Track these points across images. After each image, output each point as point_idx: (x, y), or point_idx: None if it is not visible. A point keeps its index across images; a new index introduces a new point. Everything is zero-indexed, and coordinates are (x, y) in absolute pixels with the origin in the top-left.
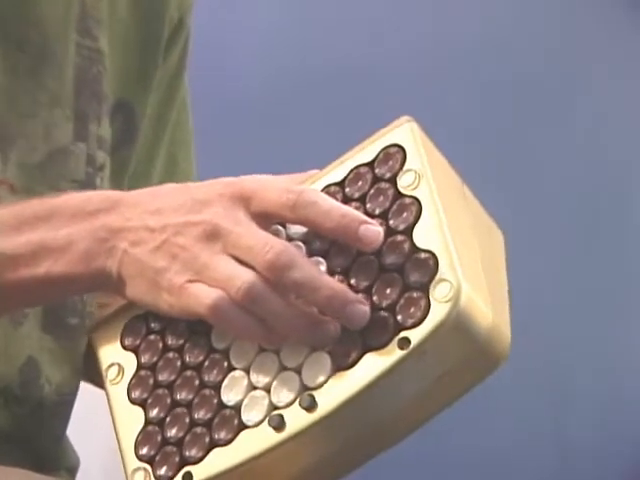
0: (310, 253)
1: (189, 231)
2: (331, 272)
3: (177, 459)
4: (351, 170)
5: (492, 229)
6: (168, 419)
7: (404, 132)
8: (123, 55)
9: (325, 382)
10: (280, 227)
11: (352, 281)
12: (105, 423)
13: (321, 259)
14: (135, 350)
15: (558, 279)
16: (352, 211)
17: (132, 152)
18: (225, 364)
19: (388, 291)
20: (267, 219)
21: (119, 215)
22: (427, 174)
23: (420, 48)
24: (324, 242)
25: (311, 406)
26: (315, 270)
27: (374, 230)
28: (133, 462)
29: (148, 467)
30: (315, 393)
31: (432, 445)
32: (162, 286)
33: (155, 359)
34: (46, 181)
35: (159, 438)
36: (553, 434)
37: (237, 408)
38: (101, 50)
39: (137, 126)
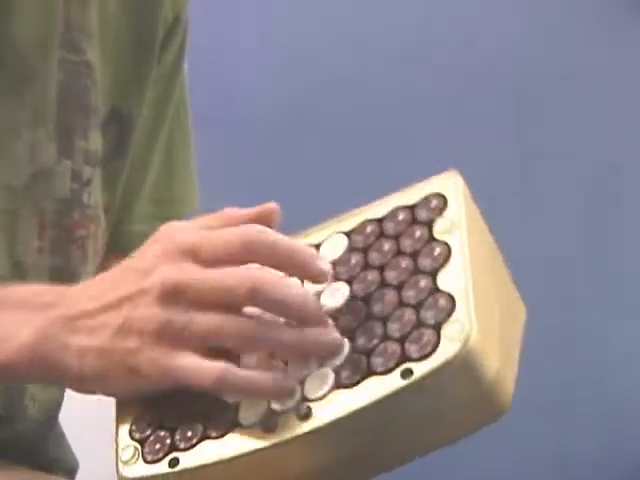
0: (336, 277)
1: (145, 299)
2: (353, 297)
3: (168, 443)
4: (392, 210)
5: (517, 301)
6: (168, 407)
7: (449, 184)
8: (117, 62)
9: (324, 396)
10: (313, 249)
11: (370, 307)
12: (107, 425)
13: (344, 284)
14: None
15: (561, 277)
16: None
17: (126, 161)
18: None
19: (402, 324)
20: (218, 265)
21: (68, 306)
22: (462, 225)
23: (422, 45)
24: (350, 268)
25: (306, 416)
26: (286, 284)
27: (324, 265)
28: (126, 440)
29: (139, 446)
30: (313, 405)
31: (433, 463)
32: (139, 364)
33: None
34: (30, 202)
35: (155, 422)
36: (554, 448)
37: (236, 406)
38: (89, 63)
39: (131, 135)
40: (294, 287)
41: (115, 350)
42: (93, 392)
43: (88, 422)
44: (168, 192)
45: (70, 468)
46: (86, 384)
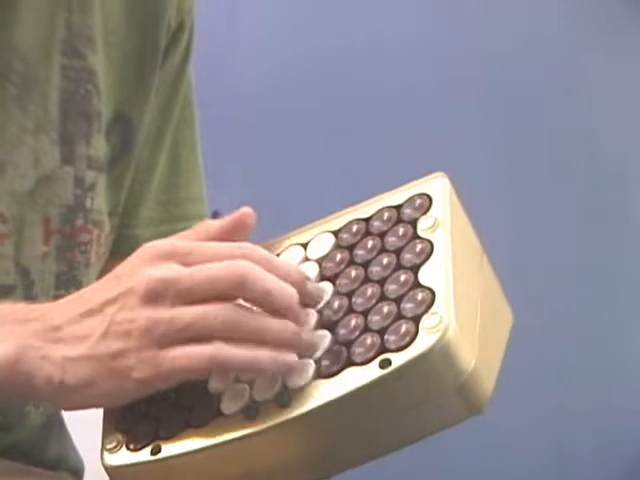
0: (322, 275)
1: (130, 300)
2: (336, 293)
3: (151, 432)
4: (379, 210)
5: (502, 305)
6: (154, 399)
7: (436, 185)
8: (121, 68)
9: (304, 386)
10: (300, 248)
11: (352, 302)
12: None
13: (329, 283)
14: None
15: (559, 282)
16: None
17: (131, 165)
18: None
19: (382, 316)
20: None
21: (49, 318)
22: (446, 223)
23: (422, 45)
24: (335, 265)
25: (286, 405)
26: (268, 275)
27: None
28: (110, 429)
29: (123, 435)
30: (293, 394)
31: (430, 454)
32: (128, 367)
33: None
34: (36, 208)
35: (140, 412)
36: (552, 444)
37: (218, 397)
38: (90, 69)
39: (136, 139)
40: (282, 288)
41: (101, 355)
42: (78, 406)
43: (95, 422)
44: (174, 195)
45: (75, 468)
46: (70, 395)
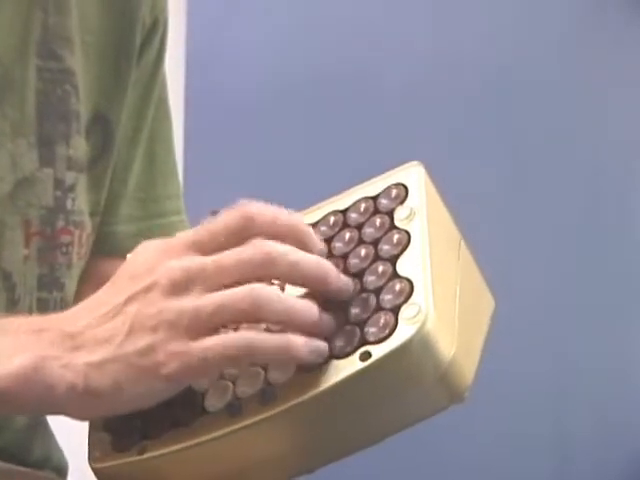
0: None
1: (152, 295)
2: None
3: (137, 432)
4: (355, 201)
5: (482, 291)
6: None
7: (411, 174)
8: (98, 67)
9: (287, 381)
10: None
11: None
12: None
13: None
14: None
15: (559, 280)
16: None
17: (110, 164)
18: None
19: (362, 308)
20: (221, 249)
21: (65, 325)
22: (422, 213)
23: (421, 53)
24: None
25: (269, 400)
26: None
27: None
28: (97, 429)
29: (109, 435)
30: (275, 389)
31: (429, 446)
32: (157, 363)
33: None
34: (16, 211)
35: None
36: (553, 435)
37: (202, 394)
38: (68, 69)
39: (114, 137)
40: (308, 256)
41: (128, 355)
42: (104, 412)
43: (78, 421)
44: (152, 191)
45: (60, 467)
46: (95, 402)
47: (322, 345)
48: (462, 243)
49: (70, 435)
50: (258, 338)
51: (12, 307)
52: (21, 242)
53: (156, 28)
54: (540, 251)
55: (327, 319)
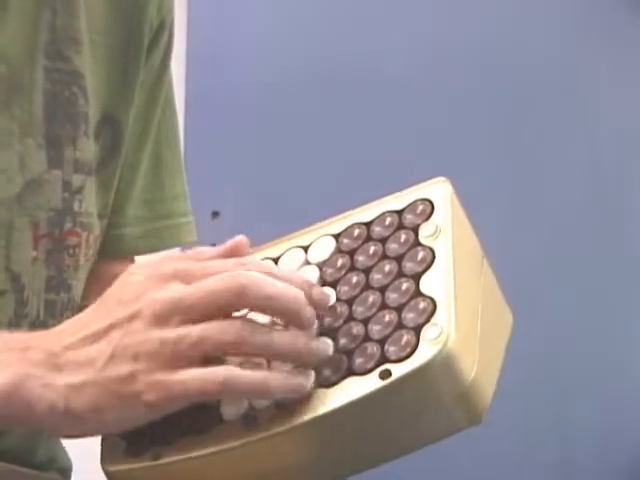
0: (323, 280)
1: (136, 323)
2: (337, 299)
3: (151, 437)
4: (380, 214)
5: (502, 308)
6: None
7: (437, 190)
8: (107, 69)
9: (304, 395)
10: (301, 251)
11: (353, 309)
12: None
13: (330, 288)
14: None
15: (559, 277)
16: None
17: (119, 164)
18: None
19: (383, 325)
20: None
21: (49, 345)
22: (447, 230)
23: (420, 48)
24: (337, 271)
25: (285, 413)
26: (269, 280)
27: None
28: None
29: (123, 440)
30: (292, 403)
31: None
32: (137, 391)
33: None
34: (24, 213)
35: None
36: (553, 435)
37: (218, 403)
38: (76, 71)
39: (123, 139)
40: (282, 284)
41: (108, 380)
42: (86, 433)
43: None
44: (159, 192)
45: (64, 467)
46: (77, 423)
47: (300, 383)
48: (485, 262)
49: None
50: (236, 374)
51: (21, 308)
52: (29, 244)
53: (163, 29)
54: (540, 251)
55: (316, 346)
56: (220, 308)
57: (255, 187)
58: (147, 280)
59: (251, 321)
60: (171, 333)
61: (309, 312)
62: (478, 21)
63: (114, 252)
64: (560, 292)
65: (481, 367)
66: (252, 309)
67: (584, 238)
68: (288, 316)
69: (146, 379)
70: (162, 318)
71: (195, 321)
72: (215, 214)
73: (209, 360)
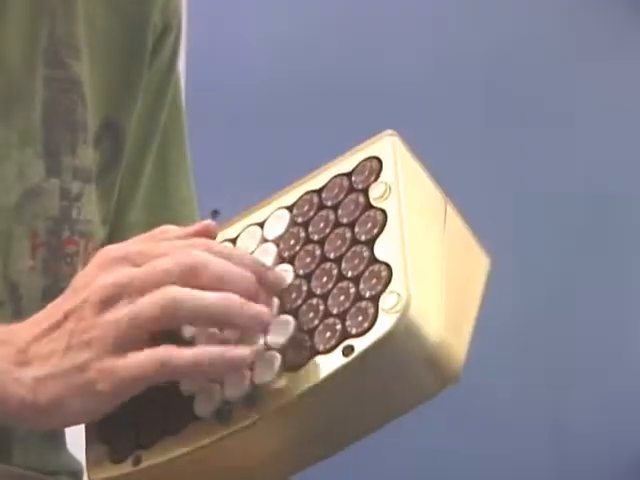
0: (280, 258)
1: (87, 309)
2: (295, 276)
3: (132, 441)
4: (330, 179)
5: (475, 253)
6: (131, 403)
7: (384, 145)
8: (107, 74)
9: (272, 381)
10: (258, 228)
11: (312, 285)
12: None
13: (288, 265)
14: None
15: (559, 278)
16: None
17: (120, 172)
18: None
19: (342, 299)
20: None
21: (16, 339)
22: (399, 188)
23: (421, 52)
24: (291, 246)
25: (257, 403)
26: (221, 260)
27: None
28: (93, 439)
29: (106, 445)
30: (262, 391)
31: (426, 443)
32: (91, 380)
33: None
34: (22, 222)
35: (121, 419)
36: (552, 435)
37: (191, 399)
38: (75, 78)
39: (125, 145)
40: (234, 265)
41: (66, 371)
42: (56, 425)
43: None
44: (163, 198)
45: (73, 470)
46: (45, 416)
47: (240, 354)
48: (448, 207)
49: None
50: (169, 354)
51: (18, 318)
52: (27, 253)
53: (168, 32)
54: (540, 250)
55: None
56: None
57: (255, 186)
58: (98, 267)
59: (182, 289)
60: (120, 313)
61: (262, 295)
62: (479, 22)
63: None
64: (560, 292)
65: (449, 326)
66: (202, 288)
67: (584, 238)
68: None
69: (96, 367)
70: (109, 302)
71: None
72: (215, 213)
73: (164, 339)
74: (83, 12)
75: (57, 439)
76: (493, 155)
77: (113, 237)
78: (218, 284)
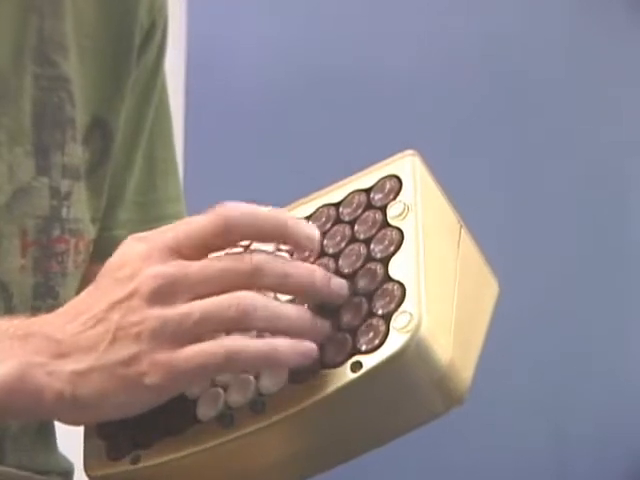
0: None
1: (135, 302)
2: None
3: (130, 440)
4: (349, 194)
5: (485, 278)
6: None
7: (405, 165)
8: (96, 72)
9: (278, 392)
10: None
11: None
12: None
13: None
14: None
15: (559, 278)
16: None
17: (109, 170)
18: None
19: (353, 314)
20: (203, 252)
21: (50, 332)
22: (417, 208)
23: (421, 53)
24: (306, 259)
25: (260, 411)
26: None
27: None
28: (92, 437)
29: (104, 443)
30: (267, 400)
31: (427, 446)
32: (140, 373)
33: None
34: (13, 220)
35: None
36: (552, 435)
37: (194, 401)
38: (64, 76)
39: (114, 143)
40: (297, 265)
41: (111, 364)
42: (92, 419)
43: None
44: (152, 194)
45: (63, 471)
46: (84, 410)
47: (310, 347)
48: (462, 231)
49: (75, 436)
50: (240, 344)
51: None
52: (18, 252)
53: (154, 29)
54: (539, 250)
55: (321, 323)
56: (231, 287)
57: (255, 189)
58: (142, 257)
59: (255, 295)
60: (173, 311)
61: (328, 285)
62: (479, 22)
63: (106, 256)
64: (559, 293)
65: (457, 348)
66: (264, 288)
67: (584, 237)
68: (304, 292)
69: (148, 360)
70: (162, 295)
71: (195, 298)
72: None
73: (212, 338)
74: (71, 10)
75: (49, 439)
76: (493, 155)
77: (103, 235)
78: (282, 282)
